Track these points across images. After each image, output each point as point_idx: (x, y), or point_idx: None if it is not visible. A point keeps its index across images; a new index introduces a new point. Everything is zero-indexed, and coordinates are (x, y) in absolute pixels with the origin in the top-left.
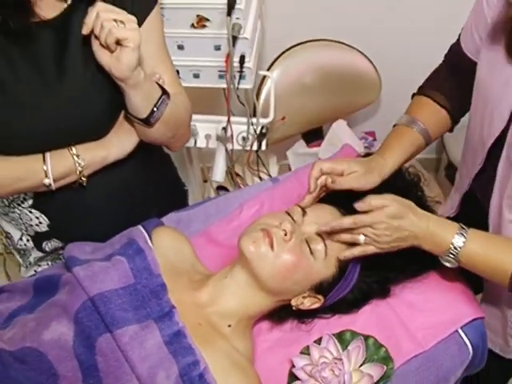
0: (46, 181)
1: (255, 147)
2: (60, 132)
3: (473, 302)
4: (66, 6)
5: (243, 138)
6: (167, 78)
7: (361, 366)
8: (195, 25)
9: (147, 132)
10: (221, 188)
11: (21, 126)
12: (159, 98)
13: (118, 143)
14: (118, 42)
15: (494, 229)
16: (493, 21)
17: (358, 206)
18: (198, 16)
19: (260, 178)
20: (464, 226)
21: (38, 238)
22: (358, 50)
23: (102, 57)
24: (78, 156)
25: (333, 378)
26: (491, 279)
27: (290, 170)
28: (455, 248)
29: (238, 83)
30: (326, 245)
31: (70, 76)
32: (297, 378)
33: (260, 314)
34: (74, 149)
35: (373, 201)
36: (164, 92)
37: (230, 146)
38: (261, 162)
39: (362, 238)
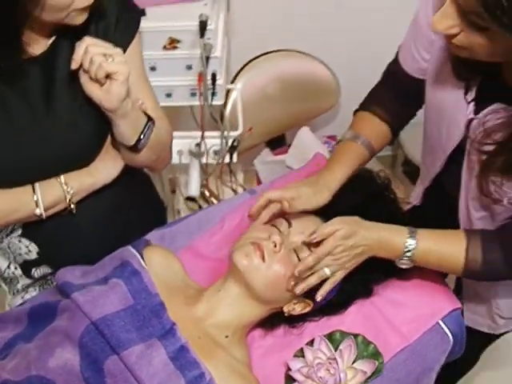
0: (38, 211)
1: (227, 159)
2: (48, 163)
3: (449, 294)
4: (51, 41)
5: (215, 152)
6: (149, 103)
7: (353, 363)
8: (167, 46)
9: (134, 157)
10: (190, 199)
11: (10, 158)
12: (145, 125)
13: (105, 169)
14: (108, 76)
15: (464, 225)
16: (437, 43)
17: (312, 238)
18: (169, 38)
19: (233, 190)
20: (413, 229)
21: (27, 266)
22: (316, 58)
23: (92, 90)
24: (66, 184)
25: (329, 377)
26: (447, 272)
27: (257, 177)
28: (408, 250)
29: (212, 100)
30: None
31: (57, 109)
32: (294, 380)
33: (254, 322)
34: (62, 178)
35: (324, 230)
36: (149, 119)
37: (203, 160)
38: (232, 173)
39: (327, 271)
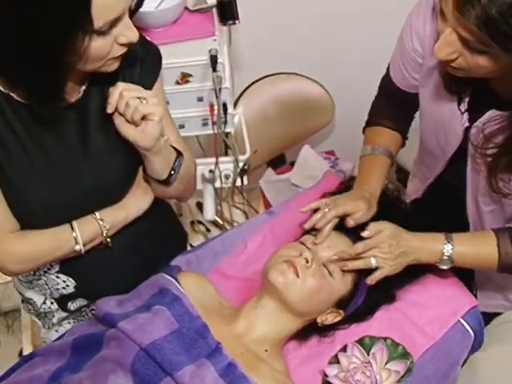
0: (77, 247)
1: (238, 183)
2: (84, 200)
3: (466, 292)
4: (84, 88)
5: (226, 177)
6: (173, 137)
7: (386, 364)
8: (179, 81)
9: (164, 190)
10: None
11: (49, 198)
12: (175, 159)
13: (136, 203)
14: (143, 117)
15: (474, 218)
16: (426, 65)
17: (365, 234)
18: (182, 73)
19: (245, 212)
20: (448, 234)
21: (63, 300)
22: (310, 78)
23: (127, 131)
24: (102, 220)
25: (366, 379)
26: (483, 269)
27: (263, 197)
28: (449, 255)
29: (224, 128)
30: None
31: (92, 150)
32: None
33: (290, 335)
34: (97, 214)
35: (373, 227)
36: (178, 152)
37: (216, 185)
38: (243, 196)
39: (373, 260)
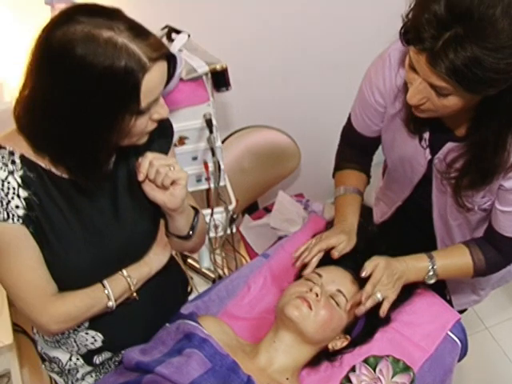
0: (110, 303)
1: (228, 231)
2: (114, 259)
3: (449, 308)
4: (113, 160)
5: (216, 227)
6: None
7: (392, 378)
8: (176, 144)
9: (183, 244)
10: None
11: (84, 259)
12: (194, 216)
13: (157, 258)
14: (172, 182)
15: (440, 232)
16: (387, 113)
17: (364, 273)
18: (179, 136)
19: (235, 258)
20: (429, 253)
21: (90, 354)
22: (277, 129)
23: (156, 195)
24: (129, 277)
25: None
26: (462, 277)
27: (244, 242)
28: (433, 269)
29: (218, 183)
30: (345, 297)
31: (123, 213)
32: None
33: (307, 362)
34: (124, 271)
35: (369, 265)
36: (196, 210)
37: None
38: (232, 243)
39: (379, 295)
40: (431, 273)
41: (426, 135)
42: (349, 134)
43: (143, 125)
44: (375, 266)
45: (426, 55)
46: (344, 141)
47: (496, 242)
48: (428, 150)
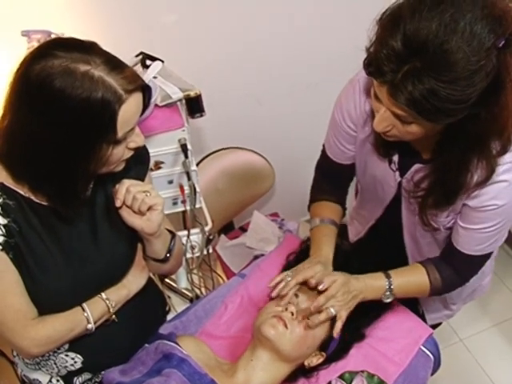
0: (89, 326)
1: (205, 252)
2: (94, 282)
3: (421, 323)
4: (91, 186)
5: (192, 247)
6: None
7: None
8: (152, 168)
9: (160, 267)
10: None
11: (64, 284)
12: (171, 240)
13: (136, 281)
14: (149, 208)
15: (411, 249)
16: (358, 138)
17: (321, 287)
18: (155, 161)
19: (212, 278)
20: (386, 272)
21: (70, 376)
22: (251, 150)
23: (133, 221)
24: (108, 299)
25: None
26: (418, 295)
27: (220, 262)
28: (390, 288)
29: (194, 206)
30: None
31: (101, 239)
32: None
33: (284, 379)
34: (103, 294)
35: (327, 279)
36: (172, 233)
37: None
38: (208, 263)
39: (332, 310)
40: (388, 292)
41: (396, 158)
42: (324, 165)
43: (120, 153)
44: (333, 281)
45: (386, 87)
46: (319, 173)
47: (453, 259)
48: (398, 173)
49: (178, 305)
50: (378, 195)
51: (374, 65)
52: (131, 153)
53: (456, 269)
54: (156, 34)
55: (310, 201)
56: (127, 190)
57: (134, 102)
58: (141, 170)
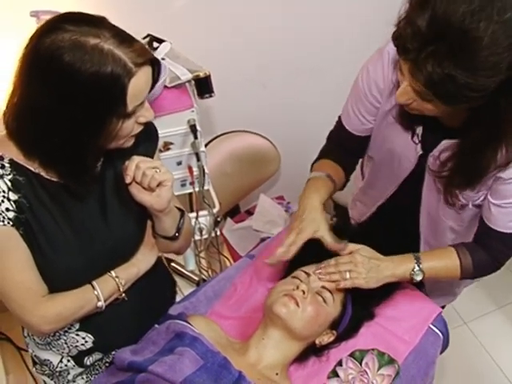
0: (99, 304)
1: (213, 234)
2: (104, 260)
3: (430, 302)
4: (101, 163)
5: (200, 230)
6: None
7: (378, 371)
8: (162, 149)
9: (169, 245)
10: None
11: (76, 260)
12: (180, 217)
13: (145, 259)
14: (159, 184)
15: (425, 231)
16: (382, 109)
17: (342, 252)
18: (164, 142)
19: (219, 260)
20: (416, 254)
21: (80, 356)
22: (258, 133)
23: (143, 197)
24: (118, 277)
25: None
26: (448, 278)
27: (227, 244)
28: (420, 270)
29: (203, 187)
30: (331, 293)
31: (111, 216)
32: None
33: (294, 357)
34: (113, 272)
35: (350, 247)
36: (181, 211)
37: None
38: (216, 246)
39: (347, 274)
40: (417, 271)
41: (419, 131)
42: (338, 135)
43: (130, 128)
44: (356, 249)
45: (409, 64)
46: (331, 142)
47: (487, 239)
48: (419, 146)
49: (184, 288)
50: (393, 171)
51: (399, 41)
52: (141, 127)
53: (490, 251)
54: (163, 17)
55: (313, 162)
56: (137, 166)
57: (143, 75)
58: (149, 147)
